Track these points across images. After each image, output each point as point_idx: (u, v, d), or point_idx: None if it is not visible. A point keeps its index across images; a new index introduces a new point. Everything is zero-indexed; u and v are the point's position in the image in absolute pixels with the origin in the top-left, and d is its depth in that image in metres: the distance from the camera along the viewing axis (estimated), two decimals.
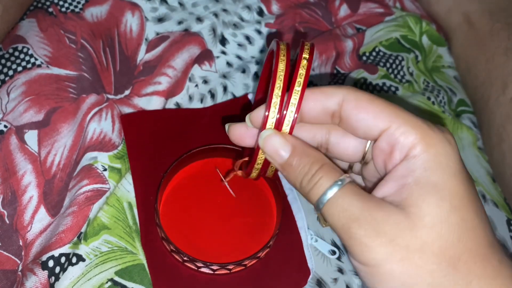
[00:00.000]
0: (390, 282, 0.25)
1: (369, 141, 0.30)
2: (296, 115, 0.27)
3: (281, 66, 0.28)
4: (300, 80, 0.27)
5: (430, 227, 0.24)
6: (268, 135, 0.28)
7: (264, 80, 0.35)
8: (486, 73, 0.54)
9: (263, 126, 0.28)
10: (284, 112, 0.27)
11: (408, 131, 0.26)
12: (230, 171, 0.35)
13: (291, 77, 0.28)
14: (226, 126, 0.32)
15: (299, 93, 0.27)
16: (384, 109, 0.27)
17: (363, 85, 0.53)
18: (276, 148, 0.28)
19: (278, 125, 0.28)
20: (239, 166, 0.33)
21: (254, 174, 0.31)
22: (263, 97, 0.34)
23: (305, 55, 0.28)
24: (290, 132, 0.28)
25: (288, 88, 0.27)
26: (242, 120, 0.31)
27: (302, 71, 0.28)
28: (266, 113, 0.28)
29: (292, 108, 0.27)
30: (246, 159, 0.33)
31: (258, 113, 0.29)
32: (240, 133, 0.31)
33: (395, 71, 0.56)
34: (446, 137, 0.26)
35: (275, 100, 0.27)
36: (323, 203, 0.26)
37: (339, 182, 0.26)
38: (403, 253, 0.24)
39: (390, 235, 0.24)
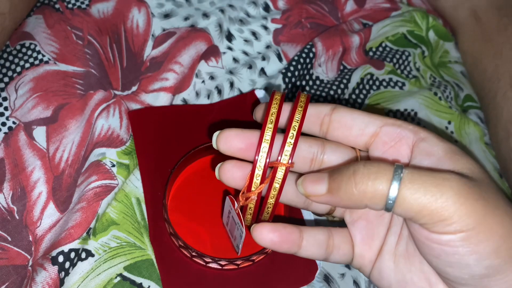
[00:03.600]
0: (492, 238, 0.25)
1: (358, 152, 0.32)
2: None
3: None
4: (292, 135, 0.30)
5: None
6: (301, 181, 0.29)
7: None
8: (494, 68, 0.54)
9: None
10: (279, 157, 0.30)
11: (403, 124, 0.30)
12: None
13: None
14: (216, 169, 0.32)
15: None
16: (374, 114, 0.31)
17: (369, 81, 0.53)
18: (314, 189, 0.29)
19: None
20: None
21: (248, 217, 0.33)
22: None
23: (296, 118, 0.30)
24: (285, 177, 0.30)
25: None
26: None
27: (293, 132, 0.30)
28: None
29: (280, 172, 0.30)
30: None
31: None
32: (234, 175, 0.32)
33: (402, 67, 0.56)
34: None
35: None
36: (393, 200, 0.25)
37: (398, 171, 0.25)
38: (494, 207, 0.25)
39: (476, 195, 0.25)
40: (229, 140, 0.31)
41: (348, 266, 0.41)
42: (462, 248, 0.25)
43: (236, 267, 0.39)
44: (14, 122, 0.43)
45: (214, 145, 0.32)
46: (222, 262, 0.38)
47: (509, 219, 0.26)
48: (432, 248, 0.27)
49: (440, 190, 0.25)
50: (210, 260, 0.38)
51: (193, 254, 0.38)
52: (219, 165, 0.32)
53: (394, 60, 0.56)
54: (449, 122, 0.53)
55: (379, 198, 0.25)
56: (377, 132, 0.30)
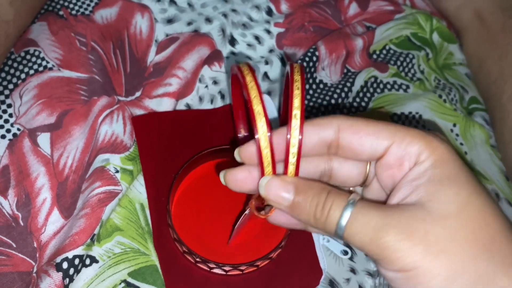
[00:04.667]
0: (433, 281, 0.24)
1: (368, 163, 0.30)
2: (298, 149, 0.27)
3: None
4: (296, 116, 0.27)
5: (455, 215, 0.24)
6: (267, 183, 0.28)
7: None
8: (499, 70, 0.53)
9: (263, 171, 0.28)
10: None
11: (412, 141, 0.27)
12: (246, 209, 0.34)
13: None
14: (221, 174, 0.30)
15: (298, 128, 0.27)
16: (383, 128, 0.27)
17: (373, 84, 0.53)
18: (278, 193, 0.28)
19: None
20: (253, 205, 0.31)
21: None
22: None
23: (296, 86, 0.28)
24: (297, 172, 0.28)
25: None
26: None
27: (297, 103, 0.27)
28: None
29: (293, 149, 0.27)
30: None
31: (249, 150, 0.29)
32: (239, 180, 0.29)
33: (406, 69, 0.56)
34: (444, 139, 0.27)
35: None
36: (342, 228, 0.26)
37: (351, 201, 0.26)
38: (438, 247, 0.24)
39: (419, 233, 0.24)
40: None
41: (353, 271, 0.41)
42: (406, 286, 0.25)
43: (241, 272, 0.39)
44: (18, 129, 0.43)
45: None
46: (226, 268, 0.38)
47: (459, 259, 0.24)
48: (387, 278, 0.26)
49: (382, 229, 0.25)
50: (214, 266, 0.38)
51: (197, 259, 0.38)
52: (224, 171, 0.31)
53: (398, 63, 0.55)
54: (454, 125, 0.52)
55: (331, 227, 0.26)
56: (384, 154, 0.28)
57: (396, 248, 0.24)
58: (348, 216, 0.26)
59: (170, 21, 0.52)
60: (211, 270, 0.38)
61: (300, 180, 0.28)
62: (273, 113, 0.47)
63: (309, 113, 0.49)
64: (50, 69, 0.46)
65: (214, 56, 0.51)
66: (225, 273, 0.38)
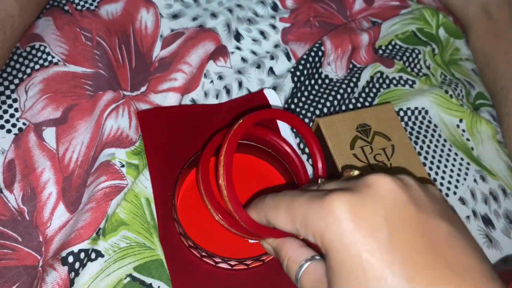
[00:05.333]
0: None
1: None
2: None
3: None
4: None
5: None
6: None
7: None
8: (506, 65, 0.53)
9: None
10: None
11: (307, 230, 0.29)
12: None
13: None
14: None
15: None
16: (291, 214, 0.30)
17: (379, 79, 0.53)
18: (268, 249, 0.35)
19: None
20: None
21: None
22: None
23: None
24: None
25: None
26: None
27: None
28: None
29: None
30: None
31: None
32: None
33: (412, 65, 0.55)
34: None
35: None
36: (298, 280, 0.31)
37: (303, 263, 0.30)
38: None
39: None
40: None
41: None
42: None
43: (246, 267, 0.38)
44: (24, 123, 0.43)
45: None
46: (232, 262, 0.38)
47: None
48: None
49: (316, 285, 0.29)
50: (219, 260, 0.38)
51: (203, 254, 0.38)
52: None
53: (404, 58, 0.55)
54: (461, 120, 0.52)
55: (292, 275, 0.31)
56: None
57: None
58: (300, 273, 0.30)
59: (175, 16, 0.52)
60: (217, 265, 0.38)
61: (276, 241, 0.34)
62: (278, 108, 0.47)
63: (314, 109, 0.49)
64: (56, 64, 0.46)
65: (219, 51, 0.51)
66: (230, 267, 0.38)
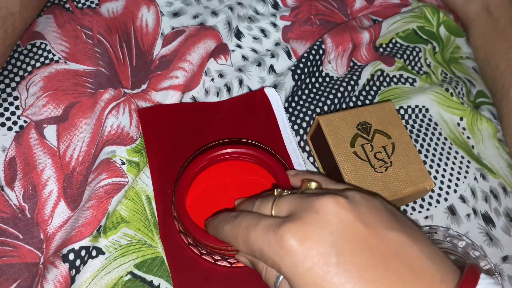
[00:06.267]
0: None
1: None
2: None
3: None
4: None
5: None
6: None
7: None
8: (506, 63, 0.53)
9: None
10: None
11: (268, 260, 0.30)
12: None
13: None
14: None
15: None
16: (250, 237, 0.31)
17: (380, 77, 0.53)
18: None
19: None
20: None
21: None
22: None
23: None
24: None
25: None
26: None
27: None
28: None
29: None
30: None
31: None
32: None
33: (412, 63, 0.55)
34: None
35: None
36: None
37: (279, 277, 0.31)
38: None
39: None
40: None
41: None
42: None
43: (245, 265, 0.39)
44: (25, 121, 0.43)
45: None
46: (231, 260, 0.38)
47: None
48: None
49: None
50: (219, 258, 0.38)
51: (203, 251, 0.38)
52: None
53: (405, 56, 0.55)
54: (461, 119, 0.52)
55: (271, 285, 0.32)
56: None
57: None
58: (278, 282, 0.31)
59: (176, 14, 0.52)
60: (216, 262, 0.38)
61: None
62: (279, 106, 0.47)
63: (315, 107, 0.49)
64: (57, 61, 0.46)
65: (220, 49, 0.51)
66: (230, 265, 0.38)
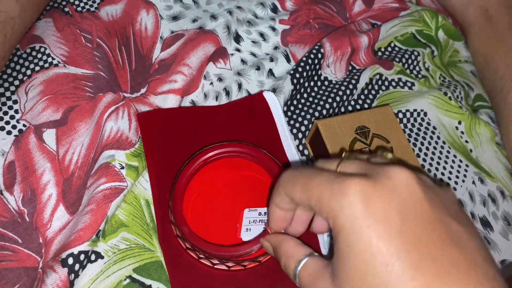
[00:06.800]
0: None
1: None
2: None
3: None
4: None
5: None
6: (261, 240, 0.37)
7: None
8: (505, 67, 0.53)
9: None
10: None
11: (321, 208, 0.29)
12: None
13: None
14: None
15: None
16: (309, 188, 0.30)
17: (378, 81, 0.53)
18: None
19: None
20: None
21: None
22: None
23: None
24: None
25: None
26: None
27: None
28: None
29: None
30: None
31: None
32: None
33: (411, 67, 0.55)
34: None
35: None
36: (297, 277, 0.32)
37: (301, 259, 0.31)
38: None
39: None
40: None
41: None
42: None
43: (243, 268, 0.39)
44: (24, 125, 0.43)
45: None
46: (229, 264, 0.38)
47: None
48: None
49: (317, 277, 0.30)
50: (217, 262, 0.38)
51: (200, 256, 0.38)
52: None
53: (403, 60, 0.55)
54: (459, 122, 0.52)
55: (290, 271, 0.32)
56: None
57: None
58: (298, 268, 0.31)
59: (175, 18, 0.52)
60: (214, 266, 0.39)
61: (274, 239, 0.35)
62: (278, 110, 0.47)
63: (313, 111, 0.49)
64: (56, 65, 0.46)
65: (219, 53, 0.51)
66: (228, 268, 0.38)
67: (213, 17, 0.53)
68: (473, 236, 0.28)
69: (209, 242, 0.38)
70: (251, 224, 0.40)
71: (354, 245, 0.26)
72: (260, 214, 0.41)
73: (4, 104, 0.44)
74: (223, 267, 0.38)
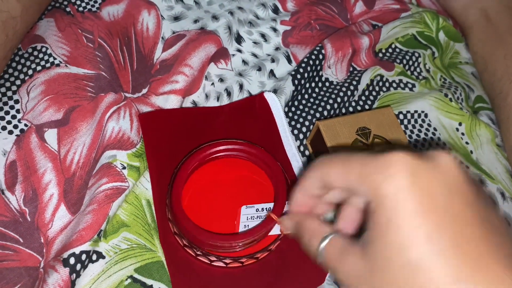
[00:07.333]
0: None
1: None
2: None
3: None
4: None
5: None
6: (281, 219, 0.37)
7: None
8: (505, 69, 0.53)
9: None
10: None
11: (359, 187, 0.28)
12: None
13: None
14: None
15: None
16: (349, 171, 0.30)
17: (379, 82, 0.53)
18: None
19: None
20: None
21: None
22: None
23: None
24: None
25: None
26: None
27: None
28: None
29: None
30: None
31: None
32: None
33: (412, 68, 0.56)
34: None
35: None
36: (321, 256, 0.31)
37: (325, 236, 0.31)
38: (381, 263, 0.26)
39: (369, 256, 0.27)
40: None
41: None
42: None
43: (241, 265, 0.39)
44: (26, 125, 0.43)
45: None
46: (227, 261, 0.38)
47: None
48: None
49: (342, 255, 0.29)
50: (214, 259, 0.38)
51: (198, 253, 0.38)
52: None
53: (404, 62, 0.55)
54: (460, 124, 0.52)
55: (313, 247, 0.31)
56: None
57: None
58: (323, 244, 0.31)
59: (176, 18, 0.52)
60: (212, 263, 0.39)
61: (297, 217, 0.34)
62: (279, 111, 0.47)
63: (314, 112, 0.49)
64: (57, 65, 0.46)
65: (220, 54, 0.51)
66: (225, 265, 0.39)
67: (215, 17, 0.53)
68: (505, 229, 0.28)
69: (210, 231, 0.38)
70: (248, 221, 0.40)
71: (394, 218, 0.25)
72: (257, 210, 0.41)
73: (5, 103, 0.44)
74: (221, 264, 0.39)
